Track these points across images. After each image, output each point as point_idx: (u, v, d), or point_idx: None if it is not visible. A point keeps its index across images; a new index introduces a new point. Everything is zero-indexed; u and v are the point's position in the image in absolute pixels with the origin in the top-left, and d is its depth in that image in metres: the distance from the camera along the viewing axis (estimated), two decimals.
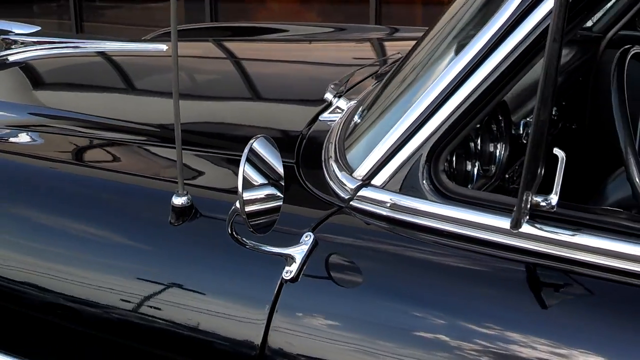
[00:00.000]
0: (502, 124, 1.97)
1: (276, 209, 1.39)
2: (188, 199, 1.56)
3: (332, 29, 3.17)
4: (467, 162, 1.89)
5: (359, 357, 1.39)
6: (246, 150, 1.35)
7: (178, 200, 1.56)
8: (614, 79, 1.68)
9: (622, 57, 1.78)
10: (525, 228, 1.35)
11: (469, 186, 1.87)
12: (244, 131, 1.93)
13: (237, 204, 1.34)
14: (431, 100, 1.45)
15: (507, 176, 1.99)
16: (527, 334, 1.31)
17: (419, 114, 1.46)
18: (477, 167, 1.91)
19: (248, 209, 1.34)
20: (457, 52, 1.44)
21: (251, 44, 2.78)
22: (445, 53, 1.48)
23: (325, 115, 1.88)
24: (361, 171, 1.53)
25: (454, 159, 1.79)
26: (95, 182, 1.78)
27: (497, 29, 1.40)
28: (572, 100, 2.59)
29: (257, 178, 1.36)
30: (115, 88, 2.36)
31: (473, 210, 1.41)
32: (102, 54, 2.67)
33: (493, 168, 1.95)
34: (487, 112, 1.44)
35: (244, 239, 1.41)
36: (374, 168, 1.51)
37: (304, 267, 1.44)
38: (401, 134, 1.48)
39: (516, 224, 1.25)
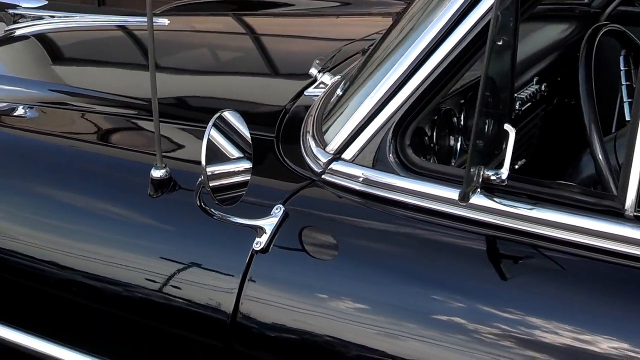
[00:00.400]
0: None
1: (243, 184, 1.43)
2: (166, 171, 1.61)
3: (337, 4, 3.18)
4: (451, 137, 1.92)
5: (328, 326, 1.45)
6: (210, 125, 1.39)
7: (157, 173, 1.61)
8: (583, 56, 1.70)
9: (593, 34, 1.79)
10: (484, 202, 1.40)
11: (452, 161, 1.91)
12: (227, 105, 1.96)
13: (203, 178, 1.39)
14: (396, 77, 1.50)
15: None
16: (485, 304, 1.36)
17: (385, 90, 1.51)
18: (460, 143, 1.94)
19: (213, 183, 1.39)
20: (420, 31, 1.49)
21: (252, 18, 2.81)
22: (410, 32, 1.52)
23: (310, 91, 1.92)
24: (334, 145, 1.57)
25: (434, 134, 1.82)
26: (80, 154, 1.84)
27: (457, 8, 1.43)
28: (570, 76, 2.60)
29: (222, 153, 1.41)
30: (112, 62, 2.41)
31: (436, 183, 1.45)
32: (104, 27, 2.71)
33: None
34: (448, 90, 1.48)
35: (212, 210, 1.46)
36: (344, 142, 1.56)
37: (274, 239, 1.49)
38: (369, 109, 1.53)
39: (464, 197, 1.29)
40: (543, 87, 2.24)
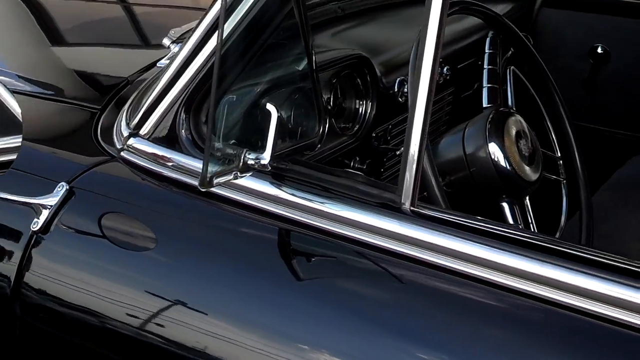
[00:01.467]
0: (368, 80, 1.84)
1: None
2: None
3: None
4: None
5: (100, 303, 1.37)
6: None
7: None
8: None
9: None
10: (272, 190, 1.31)
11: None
12: (66, 77, 1.85)
13: None
14: (187, 52, 1.41)
15: (374, 135, 1.87)
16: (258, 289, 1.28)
17: (177, 64, 1.42)
18: (332, 125, 1.80)
19: None
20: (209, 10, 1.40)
21: None
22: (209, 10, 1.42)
23: (163, 62, 1.80)
24: (136, 120, 1.47)
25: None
26: None
27: None
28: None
29: None
30: None
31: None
32: None
33: (356, 127, 1.84)
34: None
35: None
36: (141, 117, 1.45)
37: (56, 219, 1.41)
38: (164, 83, 1.43)
39: (202, 183, 1.17)
40: (445, 70, 2.06)
